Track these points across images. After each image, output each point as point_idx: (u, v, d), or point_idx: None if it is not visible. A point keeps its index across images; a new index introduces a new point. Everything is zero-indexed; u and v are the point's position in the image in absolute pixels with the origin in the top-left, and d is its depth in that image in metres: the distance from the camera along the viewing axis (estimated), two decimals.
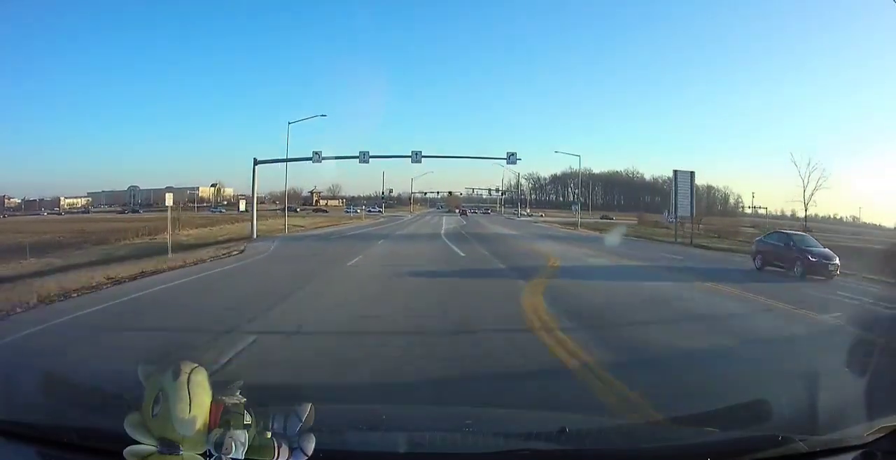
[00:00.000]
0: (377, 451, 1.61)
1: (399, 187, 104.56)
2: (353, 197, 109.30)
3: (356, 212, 70.27)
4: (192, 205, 75.23)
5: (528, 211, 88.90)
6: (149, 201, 72.27)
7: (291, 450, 1.22)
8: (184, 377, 1.20)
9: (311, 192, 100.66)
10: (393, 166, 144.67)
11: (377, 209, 78.11)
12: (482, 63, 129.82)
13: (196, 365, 1.26)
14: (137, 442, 1.19)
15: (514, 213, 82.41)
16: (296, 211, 69.40)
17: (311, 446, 1.23)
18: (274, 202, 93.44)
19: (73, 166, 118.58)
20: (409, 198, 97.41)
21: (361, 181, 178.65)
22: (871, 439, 1.61)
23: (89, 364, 4.41)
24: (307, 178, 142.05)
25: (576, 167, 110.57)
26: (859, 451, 1.59)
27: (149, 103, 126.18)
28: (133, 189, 68.66)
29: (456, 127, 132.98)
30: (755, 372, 4.83)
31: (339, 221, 49.76)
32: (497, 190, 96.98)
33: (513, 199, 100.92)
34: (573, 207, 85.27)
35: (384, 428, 1.83)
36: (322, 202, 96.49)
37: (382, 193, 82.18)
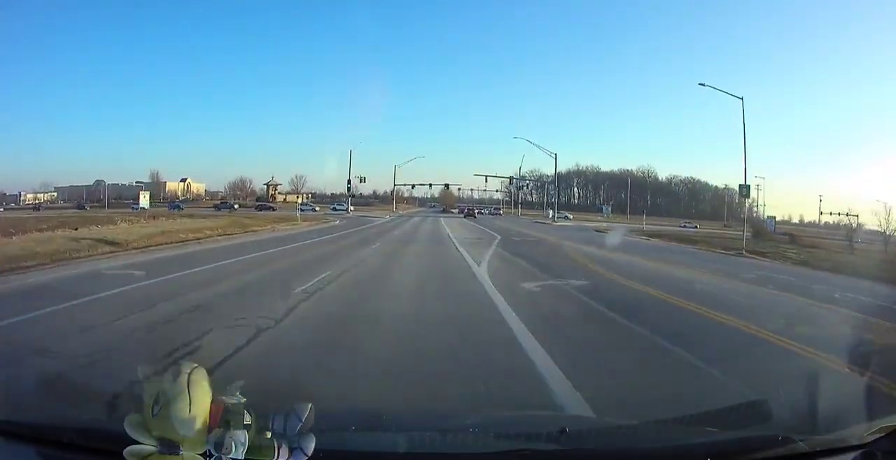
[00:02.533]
0: (377, 451, 1.61)
1: (383, 184, 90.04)
2: (332, 193, 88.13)
3: (314, 210, 57.33)
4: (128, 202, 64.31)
5: (567, 214, 70.10)
6: (114, 196, 66.71)
7: (291, 450, 1.23)
8: (184, 377, 1.20)
9: (267, 185, 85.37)
10: (373, 156, 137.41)
11: (343, 206, 60.77)
12: (481, 56, 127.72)
13: (196, 365, 1.26)
14: (137, 442, 1.19)
15: (549, 216, 61.29)
16: (232, 208, 57.00)
17: (311, 446, 1.23)
18: (242, 197, 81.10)
19: (58, 161, 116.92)
20: (392, 194, 77.95)
21: (335, 177, 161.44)
22: (871, 439, 1.61)
23: (90, 364, 4.41)
24: (267, 169, 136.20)
25: (583, 165, 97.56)
26: (859, 451, 1.59)
27: (143, 102, 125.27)
28: (99, 183, 64.69)
29: (456, 121, 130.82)
30: None
31: (248, 226, 25.37)
32: (519, 178, 78.56)
33: (513, 200, 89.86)
34: (603, 210, 72.71)
35: (384, 428, 1.83)
36: (280, 198, 79.12)
37: (349, 182, 60.55)
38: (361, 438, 1.71)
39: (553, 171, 68.68)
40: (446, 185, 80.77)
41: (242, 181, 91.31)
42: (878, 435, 1.61)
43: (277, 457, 1.21)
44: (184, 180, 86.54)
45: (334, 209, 59.24)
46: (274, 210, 55.22)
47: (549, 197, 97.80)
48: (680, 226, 56.73)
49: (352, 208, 61.30)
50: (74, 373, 4.04)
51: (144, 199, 42.94)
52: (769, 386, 3.70)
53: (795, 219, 76.68)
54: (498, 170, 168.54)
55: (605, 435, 1.93)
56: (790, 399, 3.19)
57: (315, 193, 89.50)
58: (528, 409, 3.33)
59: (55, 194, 78.68)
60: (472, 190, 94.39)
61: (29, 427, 1.61)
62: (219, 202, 65.26)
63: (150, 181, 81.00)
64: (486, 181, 72.21)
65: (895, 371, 4.12)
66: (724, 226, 62.49)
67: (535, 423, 2.09)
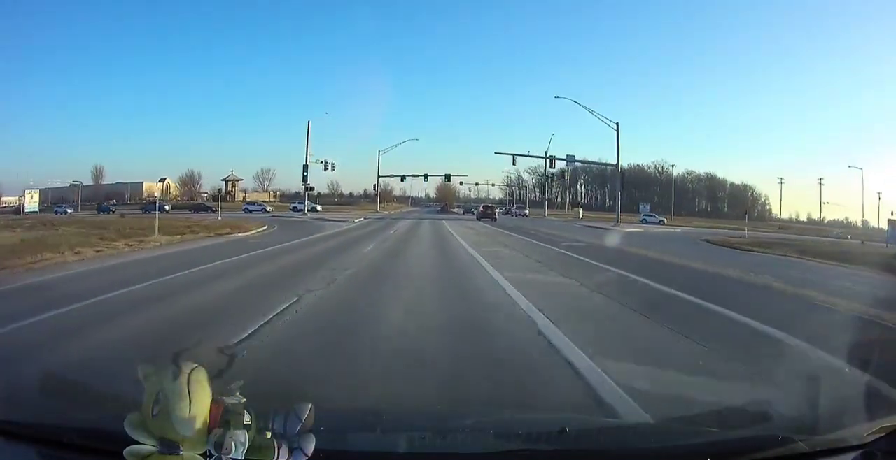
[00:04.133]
0: (377, 451, 1.61)
1: (367, 183, 77.30)
2: (320, 192, 72.35)
3: (265, 210, 48.43)
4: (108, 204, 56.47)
5: (660, 217, 53.95)
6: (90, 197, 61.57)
7: (291, 450, 1.23)
8: (184, 377, 1.21)
9: (226, 181, 73.16)
10: (364, 152, 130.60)
11: (303, 206, 47.84)
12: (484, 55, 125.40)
13: (196, 365, 1.26)
14: (137, 442, 1.19)
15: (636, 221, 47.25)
16: (163, 209, 42.75)
17: (311, 446, 1.23)
18: (191, 195, 70.39)
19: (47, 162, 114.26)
20: (376, 188, 60.61)
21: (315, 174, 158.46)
22: (871, 439, 1.61)
23: (90, 363, 4.41)
24: (226, 164, 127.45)
25: (591, 159, 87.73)
26: (859, 451, 1.59)
27: (143, 103, 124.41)
28: (76, 185, 60.81)
29: (458, 115, 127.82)
30: None
31: (49, 248, 13.00)
32: (551, 169, 54.38)
33: (515, 198, 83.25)
34: (641, 209, 55.31)
35: (384, 428, 1.83)
36: (241, 196, 68.12)
37: (304, 170, 44.12)
38: (361, 438, 1.72)
39: (561, 168, 57.57)
40: (447, 176, 58.11)
41: (192, 176, 79.51)
42: (878, 435, 1.61)
43: (277, 457, 1.21)
44: (162, 180, 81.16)
45: (294, 209, 49.59)
46: (213, 211, 44.09)
47: (554, 195, 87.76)
48: (833, 237, 36.96)
49: (318, 208, 50.94)
50: (76, 372, 4.04)
51: (32, 201, 34.77)
52: None
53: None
54: (501, 166, 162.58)
55: (605, 435, 1.93)
56: (790, 399, 3.19)
57: (299, 191, 77.98)
58: (528, 410, 3.33)
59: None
60: (476, 184, 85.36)
61: (29, 427, 1.61)
62: (145, 202, 53.56)
63: (92, 180, 75.89)
64: (513, 161, 46.55)
65: None
66: (780, 228, 53.24)
67: (535, 423, 2.09)
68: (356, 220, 34.57)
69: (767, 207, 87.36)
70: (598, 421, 2.51)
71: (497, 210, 51.55)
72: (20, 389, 3.21)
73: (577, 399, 3.59)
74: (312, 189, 48.46)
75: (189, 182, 79.52)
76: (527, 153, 49.04)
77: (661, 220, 51.33)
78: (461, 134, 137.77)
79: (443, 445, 1.68)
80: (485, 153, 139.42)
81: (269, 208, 51.93)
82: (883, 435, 1.61)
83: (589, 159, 55.15)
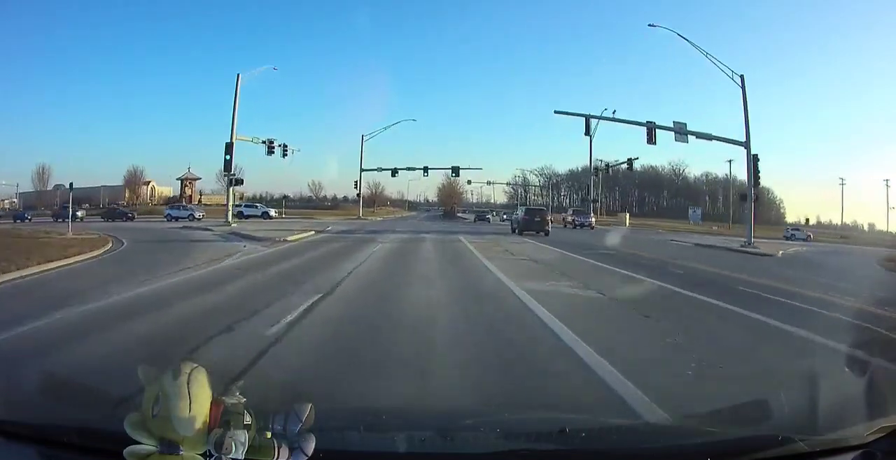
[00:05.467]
0: (377, 451, 1.61)
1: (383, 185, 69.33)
2: (309, 197, 73.97)
3: (193, 216, 39.13)
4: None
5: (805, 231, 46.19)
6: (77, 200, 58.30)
7: (291, 450, 1.23)
8: (184, 377, 1.21)
9: (182, 180, 65.51)
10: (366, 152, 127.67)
11: (257, 209, 42.08)
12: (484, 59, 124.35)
13: (196, 365, 1.26)
14: (137, 442, 1.19)
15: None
16: (75, 217, 30.92)
17: (311, 446, 1.23)
18: (133, 198, 61.22)
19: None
20: (356, 186, 45.89)
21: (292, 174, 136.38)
22: (871, 439, 1.61)
23: (90, 363, 4.41)
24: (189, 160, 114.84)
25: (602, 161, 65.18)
26: (859, 451, 1.59)
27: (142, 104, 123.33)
28: (59, 187, 54.84)
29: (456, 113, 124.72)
30: None
31: None
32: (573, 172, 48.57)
33: (520, 201, 72.54)
34: (690, 216, 48.87)
35: (384, 428, 1.83)
36: (196, 199, 61.28)
37: (228, 149, 29.49)
38: (361, 438, 1.72)
39: (570, 169, 51.93)
40: (454, 170, 44.30)
41: (135, 174, 68.43)
42: (878, 435, 1.61)
43: (277, 457, 1.21)
44: (147, 183, 76.33)
45: (239, 214, 37.83)
46: (131, 219, 38.88)
47: (562, 199, 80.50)
48: None
49: (272, 213, 42.49)
50: (77, 372, 4.05)
51: None
52: None
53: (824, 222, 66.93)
54: (507, 169, 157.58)
55: (605, 435, 1.93)
56: (790, 399, 3.19)
57: (271, 194, 69.53)
58: (528, 410, 3.34)
59: (15, 201, 69.79)
60: (488, 182, 74.02)
61: (29, 427, 1.61)
62: (58, 209, 41.72)
63: (35, 182, 70.74)
64: (586, 130, 30.38)
65: None
66: (842, 237, 47.81)
67: (535, 423, 2.09)
68: (289, 239, 18.98)
69: (783, 211, 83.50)
70: (598, 421, 2.51)
71: (499, 215, 38.52)
72: (20, 389, 3.22)
73: None
74: (241, 182, 35.20)
75: (133, 182, 68.62)
76: (611, 115, 31.68)
77: (807, 236, 44.18)
78: (464, 134, 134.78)
79: (443, 445, 1.68)
80: (488, 155, 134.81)
81: (199, 214, 40.41)
82: (883, 435, 1.61)
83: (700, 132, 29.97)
